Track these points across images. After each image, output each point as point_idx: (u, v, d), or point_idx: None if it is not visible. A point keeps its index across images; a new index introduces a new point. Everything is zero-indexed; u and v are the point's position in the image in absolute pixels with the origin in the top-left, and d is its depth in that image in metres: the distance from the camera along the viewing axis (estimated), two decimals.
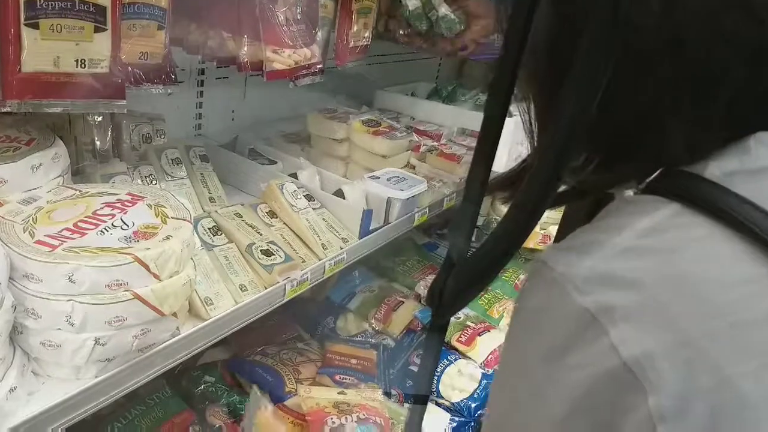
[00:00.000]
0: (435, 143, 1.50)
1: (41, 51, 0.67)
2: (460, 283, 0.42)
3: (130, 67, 0.78)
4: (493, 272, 0.41)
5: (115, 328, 0.68)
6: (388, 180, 1.25)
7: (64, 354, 0.68)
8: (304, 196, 1.13)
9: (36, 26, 0.66)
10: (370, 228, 1.17)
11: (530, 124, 0.48)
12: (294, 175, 1.22)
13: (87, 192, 0.80)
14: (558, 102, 0.36)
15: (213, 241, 0.96)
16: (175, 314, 0.75)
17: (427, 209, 1.33)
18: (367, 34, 1.20)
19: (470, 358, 1.50)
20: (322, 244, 1.07)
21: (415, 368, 1.46)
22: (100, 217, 0.73)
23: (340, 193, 1.19)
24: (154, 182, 0.99)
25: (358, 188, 1.20)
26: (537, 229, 2.15)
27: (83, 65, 0.71)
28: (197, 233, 0.94)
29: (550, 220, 2.16)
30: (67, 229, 0.70)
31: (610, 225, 0.39)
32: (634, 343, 0.33)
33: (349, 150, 1.37)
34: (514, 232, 0.40)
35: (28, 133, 0.84)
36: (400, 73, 1.92)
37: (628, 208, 0.39)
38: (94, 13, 0.70)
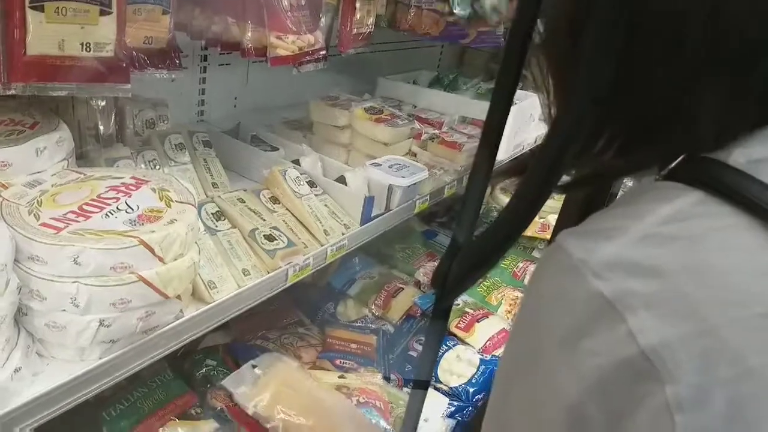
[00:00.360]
0: (436, 131, 1.51)
1: (46, 34, 0.67)
2: (464, 267, 0.42)
3: (134, 52, 0.78)
4: (496, 256, 0.42)
5: (120, 310, 0.69)
6: (389, 167, 1.26)
7: (69, 335, 0.68)
8: (306, 182, 1.14)
9: (41, 9, 0.66)
10: (372, 215, 1.17)
11: (549, 116, 0.46)
12: (296, 162, 1.22)
13: (91, 176, 0.80)
14: (569, 87, 0.36)
15: (216, 226, 0.96)
16: (179, 297, 0.76)
17: (427, 197, 1.34)
18: (370, 21, 1.19)
19: (469, 344, 1.51)
20: (324, 230, 1.08)
21: (414, 353, 1.47)
22: (104, 201, 0.74)
23: (342, 180, 1.20)
24: (157, 167, 0.99)
25: (359, 175, 1.21)
26: (536, 217, 2.16)
27: (88, 49, 0.71)
28: (201, 218, 0.95)
29: (549, 209, 2.18)
30: (72, 212, 0.71)
31: (630, 211, 0.37)
32: (654, 331, 0.32)
33: (351, 137, 1.37)
34: (518, 217, 0.40)
35: (32, 116, 0.84)
36: (402, 61, 1.92)
37: (649, 194, 0.38)
38: None
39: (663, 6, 0.36)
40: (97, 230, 0.68)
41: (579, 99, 0.38)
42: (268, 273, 0.94)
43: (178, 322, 0.79)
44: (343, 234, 1.10)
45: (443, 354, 1.46)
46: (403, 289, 1.65)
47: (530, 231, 2.00)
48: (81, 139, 0.98)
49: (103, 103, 0.97)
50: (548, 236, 1.95)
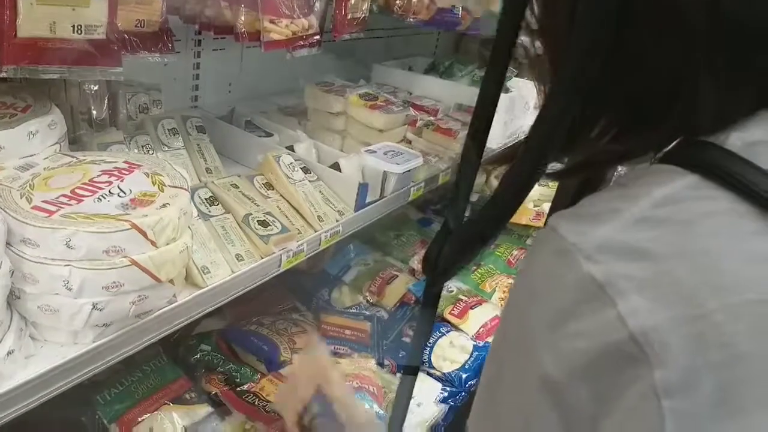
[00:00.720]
0: (431, 118, 1.50)
1: (37, 16, 0.67)
2: (454, 251, 0.42)
3: (126, 35, 0.77)
4: (486, 241, 0.42)
5: (113, 294, 0.69)
6: (384, 154, 1.26)
7: (62, 318, 0.68)
8: (300, 168, 1.14)
9: None
10: (366, 201, 1.17)
11: None
12: (291, 148, 1.22)
13: (84, 159, 0.80)
14: (559, 71, 0.35)
15: (210, 211, 0.96)
16: (172, 281, 0.76)
17: (422, 184, 1.34)
18: (365, 7, 1.19)
19: (462, 330, 1.52)
20: (318, 216, 1.08)
21: (407, 340, 1.48)
22: (97, 185, 0.74)
23: (336, 166, 1.20)
24: (150, 152, 0.99)
25: (354, 161, 1.21)
26: (530, 206, 2.17)
27: (79, 31, 0.71)
28: (194, 203, 0.94)
29: (543, 197, 2.18)
30: (65, 196, 0.71)
31: (624, 194, 0.37)
32: (644, 315, 0.32)
33: (345, 123, 1.37)
34: (506, 202, 0.40)
35: (24, 100, 0.84)
36: (397, 47, 1.91)
37: (643, 177, 0.38)
38: None
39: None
40: (90, 214, 0.68)
41: (568, 83, 0.37)
42: (262, 258, 0.94)
43: (171, 306, 0.79)
44: (337, 220, 1.10)
45: (437, 340, 1.47)
46: (397, 276, 1.66)
47: (524, 219, 2.00)
48: (74, 123, 0.98)
49: (96, 88, 0.97)
50: (542, 224, 1.95)
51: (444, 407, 1.32)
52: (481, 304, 1.62)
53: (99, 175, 0.76)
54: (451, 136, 1.42)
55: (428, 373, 1.41)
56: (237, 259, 0.91)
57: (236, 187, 1.04)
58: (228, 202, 0.99)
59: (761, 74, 0.36)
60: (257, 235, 0.95)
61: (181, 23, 0.98)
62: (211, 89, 1.39)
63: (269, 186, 1.10)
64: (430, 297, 0.50)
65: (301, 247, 1.01)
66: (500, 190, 0.40)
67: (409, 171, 1.25)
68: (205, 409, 1.10)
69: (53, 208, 0.68)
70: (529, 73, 0.44)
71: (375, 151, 1.25)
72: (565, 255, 0.35)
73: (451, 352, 1.44)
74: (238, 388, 1.17)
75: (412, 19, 1.27)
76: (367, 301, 1.60)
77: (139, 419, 1.03)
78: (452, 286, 1.70)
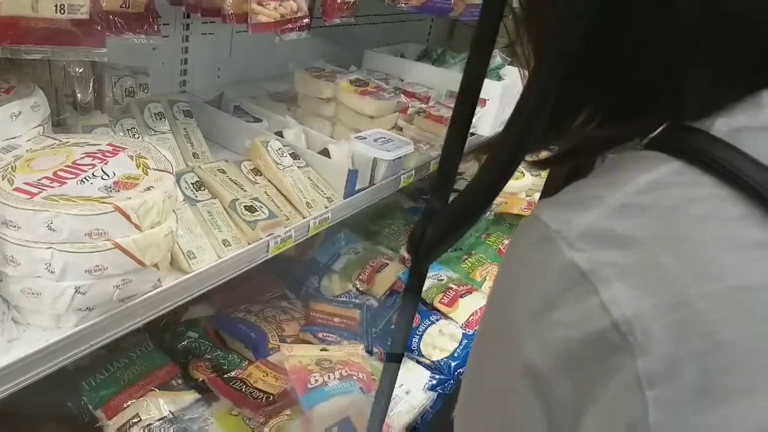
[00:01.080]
0: (423, 105, 1.49)
1: None
2: (438, 231, 0.42)
3: (111, 15, 0.76)
4: (470, 221, 0.42)
5: (96, 278, 0.68)
6: (374, 141, 1.25)
7: (45, 302, 0.68)
8: (289, 154, 1.13)
9: None
10: (356, 188, 1.17)
11: None
12: (280, 134, 1.21)
13: (67, 142, 0.79)
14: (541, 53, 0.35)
15: (196, 196, 0.96)
16: (156, 266, 0.76)
17: (413, 171, 1.33)
18: None
19: (452, 318, 1.52)
20: (307, 202, 1.07)
21: None
22: (80, 167, 0.73)
23: (326, 153, 1.19)
24: (136, 136, 0.98)
25: (344, 148, 1.20)
26: (522, 195, 2.17)
27: (62, 11, 0.69)
28: (180, 188, 0.94)
29: (536, 187, 2.18)
30: (47, 178, 0.70)
31: (608, 181, 0.37)
32: (627, 303, 0.32)
33: (335, 110, 1.36)
34: (489, 183, 0.39)
35: (7, 81, 0.83)
36: (389, 33, 1.89)
37: (628, 163, 0.37)
38: None
39: None
40: (72, 196, 0.67)
41: (549, 67, 0.37)
42: (249, 244, 0.94)
43: (156, 291, 0.78)
44: (326, 207, 1.10)
45: (426, 328, 1.47)
46: (387, 264, 1.65)
47: (516, 209, 2.00)
48: (58, 106, 0.96)
49: (81, 70, 0.96)
50: None
51: (432, 395, 1.32)
52: (471, 292, 1.62)
53: (82, 158, 0.75)
54: (442, 124, 1.41)
55: (417, 361, 1.41)
56: (224, 244, 0.91)
57: (223, 172, 1.03)
58: (215, 187, 0.98)
59: (748, 61, 0.36)
60: (244, 221, 0.94)
61: (168, 5, 0.96)
62: (200, 74, 1.38)
63: (257, 172, 1.09)
64: (415, 278, 0.50)
65: (289, 234, 1.01)
66: (481, 173, 0.40)
67: (399, 158, 1.24)
68: (191, 396, 1.09)
69: (35, 190, 0.67)
70: (514, 58, 0.43)
71: (365, 138, 1.25)
72: (548, 242, 0.35)
73: (440, 340, 1.44)
74: (226, 375, 1.17)
75: (404, 5, 1.25)
76: (357, 289, 1.59)
77: (125, 405, 1.03)
78: (442, 274, 1.70)
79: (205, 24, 1.31)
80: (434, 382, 1.34)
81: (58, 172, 0.71)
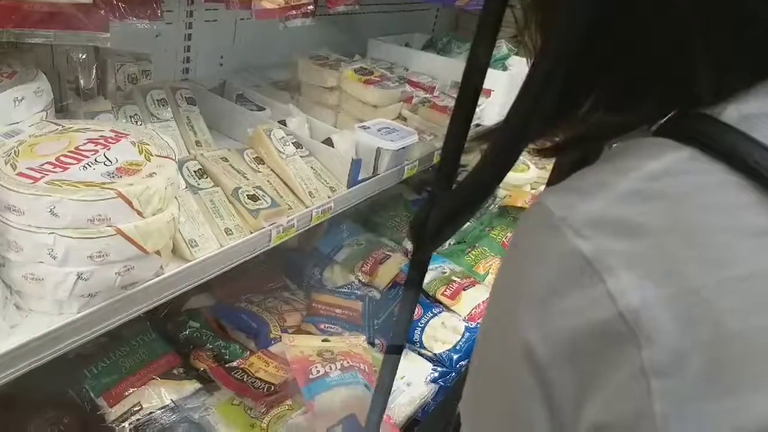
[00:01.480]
0: (428, 95, 1.49)
1: None
2: (441, 217, 0.41)
3: (114, 0, 0.76)
4: (473, 207, 0.41)
5: (98, 264, 0.68)
6: (378, 130, 1.24)
7: (47, 288, 0.68)
8: (292, 143, 1.12)
9: None
10: (359, 178, 1.16)
11: None
12: (283, 123, 1.20)
13: (70, 128, 0.78)
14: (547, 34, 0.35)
15: (198, 184, 0.95)
16: (158, 253, 0.75)
17: (417, 162, 1.32)
18: None
19: (454, 311, 1.52)
20: (310, 192, 1.07)
21: None
22: (83, 153, 0.72)
23: (329, 142, 1.18)
24: (139, 123, 0.97)
25: (347, 137, 1.19)
26: (527, 188, 2.16)
27: None
28: (183, 176, 0.93)
29: (541, 180, 2.17)
30: (50, 163, 0.69)
31: (615, 168, 0.36)
32: (633, 292, 0.31)
33: (339, 99, 1.35)
34: (492, 170, 0.39)
35: (10, 66, 0.82)
36: (395, 22, 1.88)
37: (636, 150, 0.36)
38: None
39: None
40: (75, 181, 0.67)
41: (554, 51, 0.36)
42: (251, 233, 0.93)
43: (158, 278, 0.78)
44: (329, 197, 1.09)
45: (428, 321, 1.46)
46: (390, 256, 1.65)
47: (520, 202, 1.99)
48: (61, 92, 0.96)
49: (84, 56, 0.95)
50: None
51: (434, 387, 1.32)
52: (474, 285, 1.61)
53: (85, 144, 0.74)
54: (447, 114, 1.40)
55: (419, 353, 1.40)
56: (226, 233, 0.90)
57: (226, 160, 1.02)
58: (217, 175, 0.98)
59: (757, 47, 0.35)
60: (246, 210, 0.94)
61: None
62: (203, 61, 1.37)
63: (260, 160, 1.08)
64: (417, 268, 0.49)
65: (292, 223, 1.00)
66: (485, 159, 0.39)
67: (403, 148, 1.24)
68: (193, 385, 1.09)
69: (38, 175, 0.67)
70: (520, 48, 0.43)
71: (369, 128, 1.24)
72: (553, 230, 0.34)
73: (442, 332, 1.44)
74: (227, 365, 1.17)
75: None
76: (359, 280, 1.59)
77: (127, 393, 1.03)
78: (446, 267, 1.69)
79: (208, 11, 1.30)
80: (436, 374, 1.34)
81: (61, 158, 0.71)
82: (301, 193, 1.06)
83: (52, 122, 0.80)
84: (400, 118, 1.41)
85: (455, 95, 1.52)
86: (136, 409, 1.01)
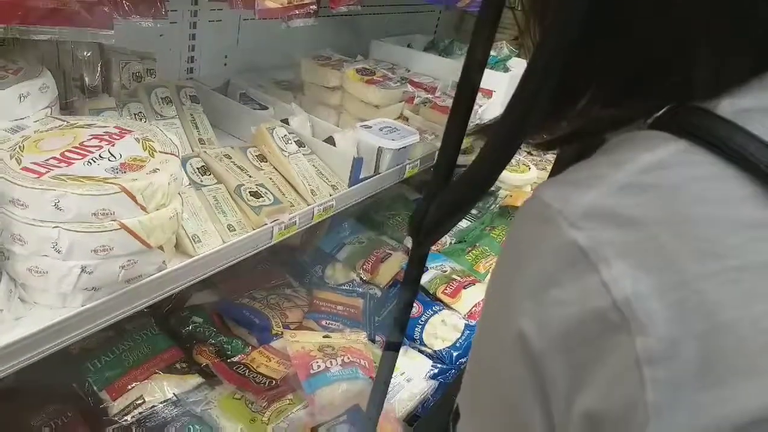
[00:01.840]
0: (429, 96, 1.49)
1: None
2: (440, 211, 0.42)
3: None
4: (473, 200, 0.42)
5: (102, 257, 0.69)
6: (380, 130, 1.25)
7: (51, 281, 0.69)
8: (294, 141, 1.13)
9: None
10: (360, 177, 1.17)
11: None
12: (285, 122, 1.21)
13: (75, 124, 0.80)
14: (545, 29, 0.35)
15: (202, 181, 0.96)
16: (161, 248, 0.76)
17: (418, 161, 1.33)
18: None
19: (455, 309, 1.53)
20: (311, 189, 1.08)
21: None
22: (87, 148, 0.73)
23: (331, 141, 1.19)
24: (143, 120, 0.99)
25: (349, 136, 1.20)
26: (527, 189, 2.17)
27: None
28: (186, 172, 0.94)
29: (541, 180, 2.18)
30: (54, 158, 0.70)
31: (611, 160, 0.36)
32: (628, 282, 0.31)
33: (341, 99, 1.36)
34: (494, 158, 0.39)
35: (15, 62, 0.83)
36: (397, 23, 1.89)
37: (631, 143, 0.37)
38: None
39: None
40: (79, 176, 0.68)
41: (551, 45, 0.37)
42: (254, 230, 0.94)
43: (161, 273, 0.79)
44: (330, 195, 1.10)
45: (429, 318, 1.47)
46: (391, 255, 1.66)
47: (521, 202, 1.99)
48: (66, 89, 0.97)
49: (89, 54, 0.96)
50: None
51: (434, 383, 1.33)
52: (474, 284, 1.62)
53: (89, 139, 0.76)
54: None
55: (419, 350, 1.41)
56: (228, 229, 0.91)
57: (229, 157, 1.04)
58: (220, 172, 0.99)
59: (754, 42, 0.35)
60: (249, 206, 0.95)
61: None
62: (207, 61, 1.38)
63: (262, 158, 1.09)
64: (415, 263, 0.50)
65: (293, 220, 1.01)
66: (483, 153, 0.40)
67: (404, 147, 1.25)
68: (195, 379, 1.10)
69: (43, 170, 0.68)
70: (521, 49, 0.43)
71: (370, 127, 1.25)
72: (549, 221, 0.35)
73: (442, 330, 1.45)
74: (229, 360, 1.18)
75: None
76: (361, 278, 1.60)
77: (130, 387, 1.04)
78: (446, 266, 1.70)
79: (212, 11, 1.31)
80: (436, 371, 1.35)
81: (66, 153, 0.72)
82: (303, 191, 1.07)
83: (57, 118, 0.81)
84: (402, 118, 1.42)
85: None
86: (139, 402, 1.02)
